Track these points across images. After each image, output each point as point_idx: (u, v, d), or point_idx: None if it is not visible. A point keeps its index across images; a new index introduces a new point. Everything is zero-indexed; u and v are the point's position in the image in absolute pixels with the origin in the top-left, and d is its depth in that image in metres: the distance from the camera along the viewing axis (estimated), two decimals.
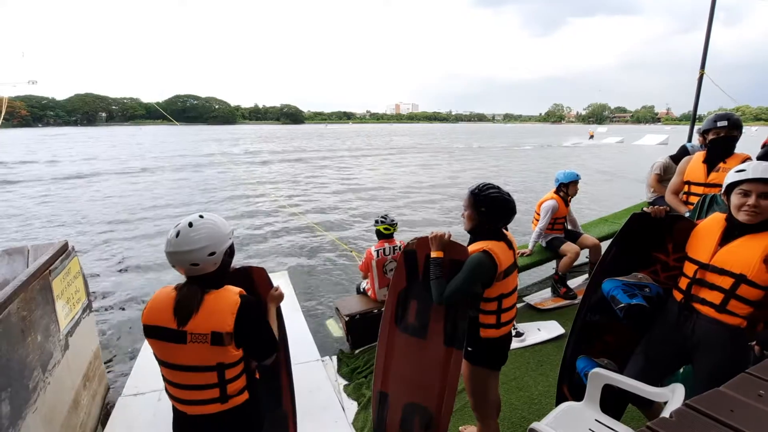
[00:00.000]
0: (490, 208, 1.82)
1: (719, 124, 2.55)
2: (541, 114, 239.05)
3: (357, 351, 3.61)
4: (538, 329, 3.61)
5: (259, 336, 1.44)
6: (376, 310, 3.67)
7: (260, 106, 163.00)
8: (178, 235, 1.33)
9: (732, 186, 1.60)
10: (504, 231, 1.92)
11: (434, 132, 77.93)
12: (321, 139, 47.39)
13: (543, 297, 4.34)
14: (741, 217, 1.57)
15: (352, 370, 3.31)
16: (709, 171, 2.65)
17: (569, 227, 4.36)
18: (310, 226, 8.67)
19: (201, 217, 1.39)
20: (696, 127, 4.72)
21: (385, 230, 3.77)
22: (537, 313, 4.01)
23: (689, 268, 1.72)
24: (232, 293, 1.39)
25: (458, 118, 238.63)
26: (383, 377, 2.16)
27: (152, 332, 1.37)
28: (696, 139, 3.99)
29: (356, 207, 11.19)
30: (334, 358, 3.51)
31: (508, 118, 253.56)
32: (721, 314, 1.61)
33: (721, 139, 2.57)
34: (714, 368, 1.63)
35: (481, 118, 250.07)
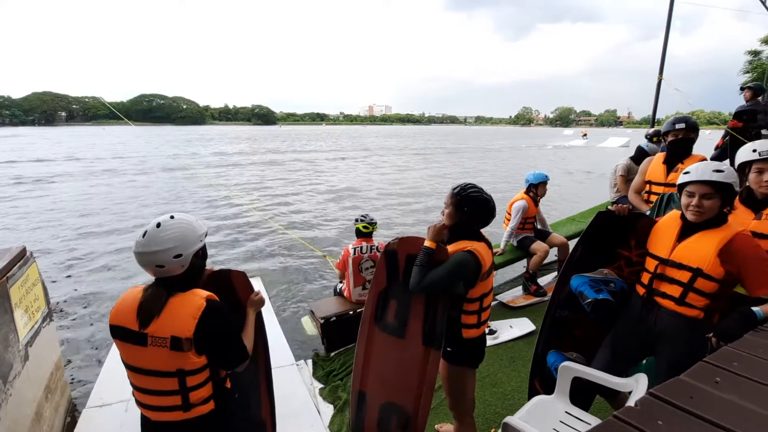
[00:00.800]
0: (472, 208, 1.84)
1: (677, 126, 2.70)
2: (510, 117, 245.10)
3: (333, 354, 3.58)
4: (510, 326, 3.69)
5: (224, 343, 1.39)
6: (351, 312, 3.66)
7: (230, 106, 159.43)
8: (144, 235, 1.31)
9: (681, 187, 1.71)
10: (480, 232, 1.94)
11: (409, 134, 77.72)
12: (292, 140, 46.64)
13: (515, 295, 4.45)
14: (688, 216, 1.68)
15: (327, 373, 3.28)
16: (668, 171, 2.79)
17: (539, 226, 4.49)
18: (284, 230, 8.54)
19: (172, 217, 1.35)
20: (646, 131, 4.99)
21: (364, 228, 3.78)
22: (509, 311, 4.10)
23: (650, 264, 1.81)
24: (198, 297, 1.34)
25: (431, 120, 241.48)
26: (362, 376, 2.15)
27: (117, 333, 1.34)
28: (646, 145, 4.25)
29: (330, 210, 11.11)
30: (309, 361, 3.47)
31: (480, 120, 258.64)
32: (680, 307, 1.70)
33: (679, 140, 2.72)
34: (675, 358, 1.72)
35: (453, 120, 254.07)
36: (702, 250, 1.64)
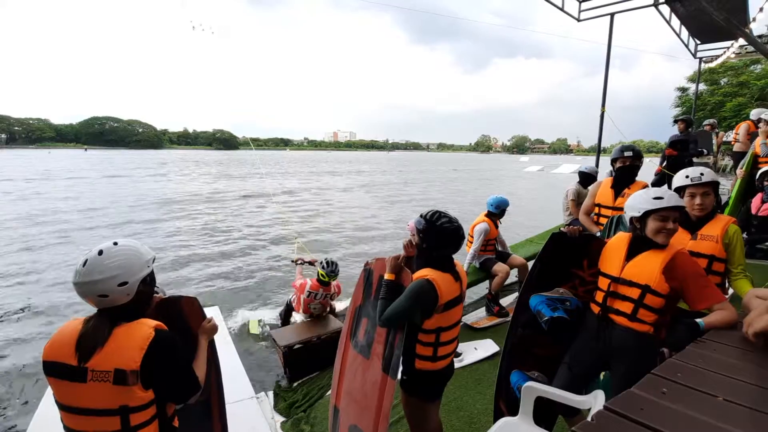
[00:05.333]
0: (431, 236, 1.83)
1: (626, 153, 2.91)
2: (471, 144, 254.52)
3: (295, 384, 3.45)
4: (475, 348, 3.72)
5: (175, 376, 1.31)
6: (316, 339, 3.56)
7: (190, 130, 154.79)
8: (85, 263, 1.22)
9: (648, 213, 1.76)
10: (453, 261, 1.91)
11: (381, 161, 76.62)
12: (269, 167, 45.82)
13: (478, 316, 4.50)
14: (660, 239, 1.74)
15: (290, 405, 3.15)
16: (616, 195, 2.98)
17: (499, 248, 4.63)
18: (243, 256, 8.28)
19: (115, 244, 1.28)
20: (592, 158, 5.36)
21: (323, 277, 3.93)
22: (474, 332, 4.14)
23: (603, 283, 1.90)
24: (146, 327, 1.26)
25: (395, 147, 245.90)
26: (337, 392, 2.14)
27: (51, 369, 1.22)
28: (584, 167, 4.78)
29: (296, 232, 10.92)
30: (270, 393, 3.32)
31: (442, 147, 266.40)
32: (632, 322, 1.79)
33: (626, 167, 2.92)
34: (628, 371, 1.79)
35: (416, 146, 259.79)
36: (648, 267, 1.74)
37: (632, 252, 1.84)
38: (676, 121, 6.31)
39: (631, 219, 1.85)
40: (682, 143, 5.95)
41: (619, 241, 1.93)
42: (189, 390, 1.35)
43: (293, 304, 4.22)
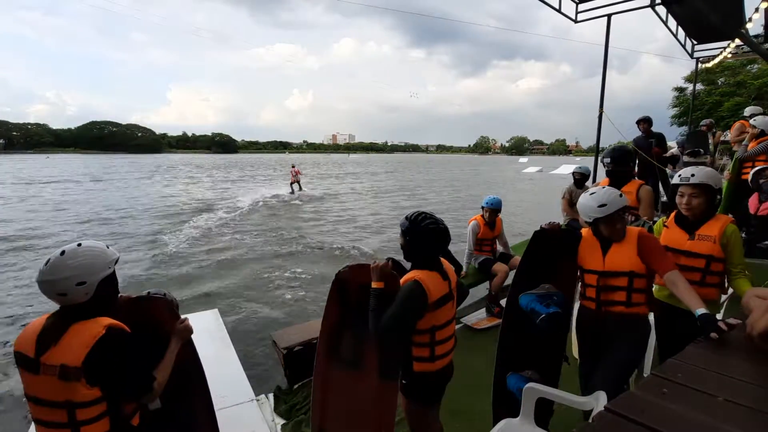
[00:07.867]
0: (413, 236, 1.80)
1: (605, 161, 2.98)
2: (469, 145, 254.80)
3: (295, 386, 3.43)
4: None
5: (120, 374, 1.32)
6: (315, 340, 3.55)
7: (189, 134, 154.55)
8: (48, 263, 1.27)
9: (599, 219, 1.93)
10: (441, 260, 1.89)
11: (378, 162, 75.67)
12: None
13: (479, 317, 4.49)
14: (615, 238, 1.93)
15: (290, 407, 3.14)
16: None
17: (502, 249, 4.61)
18: (245, 258, 8.26)
19: (79, 245, 1.32)
20: (590, 159, 5.40)
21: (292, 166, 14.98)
22: (474, 333, 4.13)
23: (591, 279, 1.97)
24: (97, 325, 1.29)
25: (394, 149, 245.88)
26: (321, 414, 2.07)
27: (17, 359, 1.30)
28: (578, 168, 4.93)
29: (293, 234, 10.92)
30: (270, 395, 3.31)
31: (441, 148, 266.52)
32: (629, 308, 1.89)
33: (610, 172, 2.98)
34: (629, 354, 1.89)
35: (415, 148, 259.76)
36: (626, 254, 1.88)
37: (604, 246, 1.96)
38: (638, 123, 6.42)
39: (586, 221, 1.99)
40: (659, 141, 6.25)
41: (589, 236, 2.03)
42: (138, 389, 1.36)
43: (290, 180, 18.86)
